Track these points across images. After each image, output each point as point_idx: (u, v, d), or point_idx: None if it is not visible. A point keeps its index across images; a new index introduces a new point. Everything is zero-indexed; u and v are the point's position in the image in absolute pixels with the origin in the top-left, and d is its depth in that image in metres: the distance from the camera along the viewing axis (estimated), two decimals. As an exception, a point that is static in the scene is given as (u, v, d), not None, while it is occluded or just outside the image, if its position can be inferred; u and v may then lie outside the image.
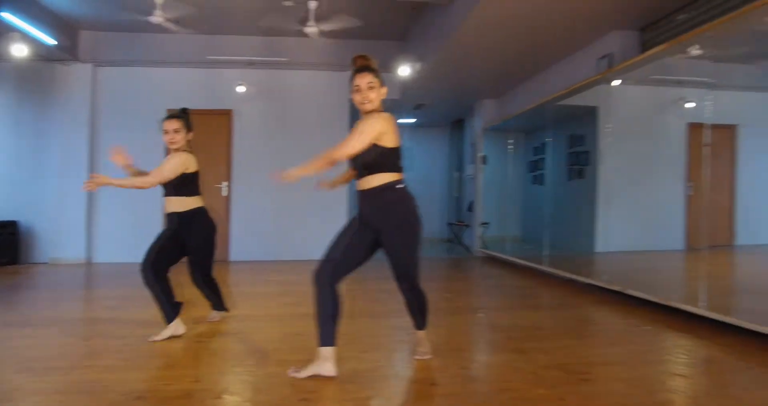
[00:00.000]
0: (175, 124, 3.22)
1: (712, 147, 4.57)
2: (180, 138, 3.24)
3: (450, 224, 9.35)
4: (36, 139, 7.30)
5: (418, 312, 2.73)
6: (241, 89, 7.53)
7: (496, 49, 5.63)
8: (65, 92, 7.34)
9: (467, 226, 8.62)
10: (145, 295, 3.17)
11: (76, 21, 6.99)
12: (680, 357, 2.88)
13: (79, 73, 7.33)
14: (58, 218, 7.18)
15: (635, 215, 5.29)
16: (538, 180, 6.96)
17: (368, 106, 2.48)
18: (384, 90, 2.54)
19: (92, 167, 7.26)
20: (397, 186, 2.50)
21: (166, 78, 7.51)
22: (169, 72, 7.52)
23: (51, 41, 6.57)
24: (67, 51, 7.03)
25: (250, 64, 7.57)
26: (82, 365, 2.65)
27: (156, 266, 3.08)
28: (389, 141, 2.45)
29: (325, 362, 2.40)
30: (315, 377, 2.38)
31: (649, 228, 5.25)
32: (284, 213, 7.53)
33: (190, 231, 3.22)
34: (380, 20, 6.82)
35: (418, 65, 6.64)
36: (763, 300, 4.08)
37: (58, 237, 7.16)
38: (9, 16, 5.83)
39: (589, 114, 5.34)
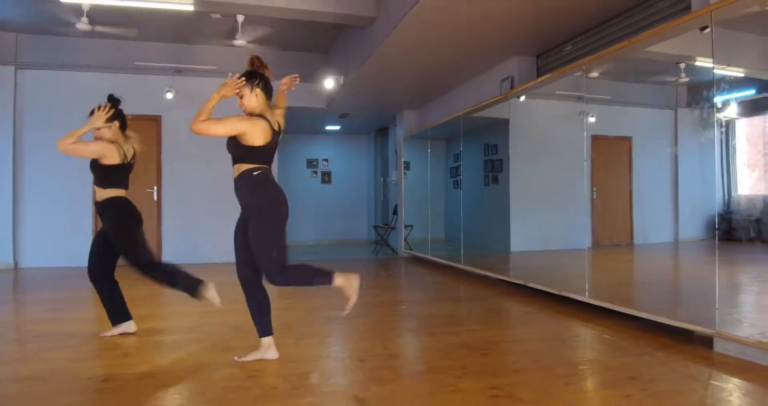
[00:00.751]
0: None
1: (611, 156, 5.35)
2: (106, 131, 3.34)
3: (375, 227, 9.86)
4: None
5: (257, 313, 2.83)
6: (169, 96, 7.67)
7: (413, 68, 6.20)
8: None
9: (393, 228, 9.15)
10: (82, 296, 3.41)
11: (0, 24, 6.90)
12: (565, 335, 3.50)
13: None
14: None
15: (546, 218, 5.93)
16: (458, 185, 7.59)
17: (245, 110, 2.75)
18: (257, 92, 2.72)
19: (16, 169, 7.17)
20: (254, 173, 2.67)
21: (93, 82, 7.51)
22: (96, 76, 7.52)
23: (-32, 42, 6.48)
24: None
25: (178, 72, 7.73)
26: (39, 358, 2.88)
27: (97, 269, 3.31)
28: (251, 141, 2.65)
29: (268, 349, 2.80)
30: (259, 360, 2.77)
31: (559, 229, 5.92)
32: (214, 215, 7.71)
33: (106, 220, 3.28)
34: (305, 34, 7.19)
35: (341, 78, 7.10)
36: (639, 289, 4.88)
37: (-23, 241, 7.01)
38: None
39: (502, 125, 5.88)
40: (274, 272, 2.64)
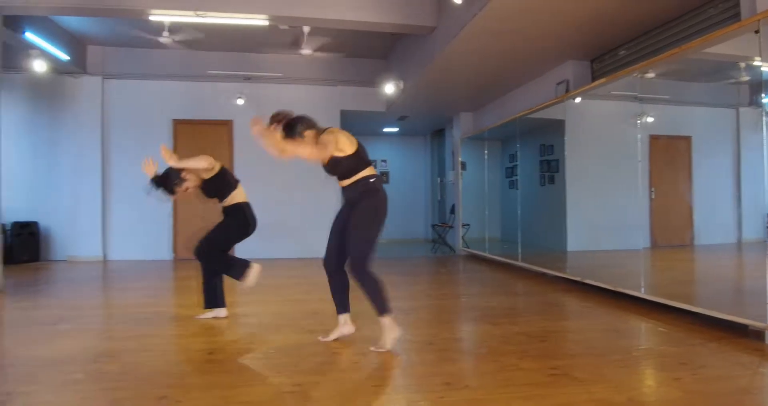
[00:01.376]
0: None
1: (670, 156, 5.37)
2: None
3: (434, 226, 10.13)
4: (51, 147, 7.88)
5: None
6: (240, 101, 8.21)
7: (471, 73, 6.45)
8: (76, 103, 7.94)
9: (450, 227, 9.41)
10: (171, 285, 3.86)
11: (86, 37, 7.59)
12: (620, 326, 3.69)
13: (88, 85, 7.94)
14: (74, 219, 7.78)
15: (603, 217, 6.00)
16: (514, 185, 7.77)
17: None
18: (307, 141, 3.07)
19: (104, 171, 7.89)
20: (371, 180, 3.06)
21: (171, 90, 8.17)
22: (173, 85, 8.17)
23: (64, 56, 7.20)
24: (78, 65, 7.64)
25: (248, 79, 8.27)
26: (151, 334, 3.35)
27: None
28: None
29: (390, 327, 3.02)
30: (336, 339, 3.12)
31: (616, 229, 5.98)
32: (284, 215, 8.21)
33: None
34: (366, 41, 7.56)
35: (401, 83, 7.43)
36: (696, 287, 4.95)
37: (75, 236, 7.77)
38: (32, 36, 6.46)
39: (558, 126, 5.99)
40: (359, 262, 2.99)
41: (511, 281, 5.97)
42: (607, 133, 5.96)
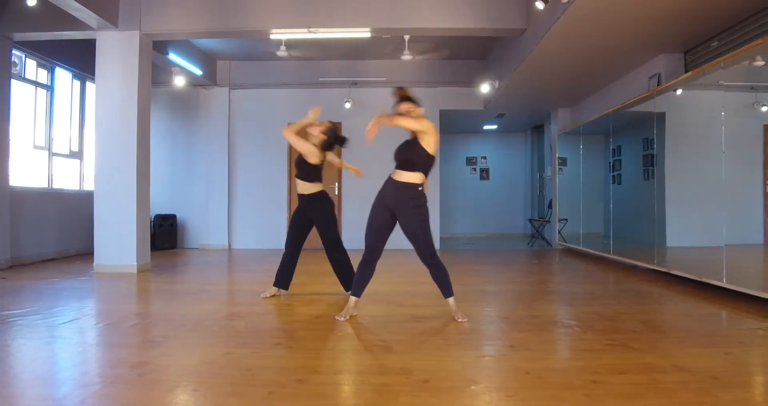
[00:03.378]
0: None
1: None
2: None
3: (531, 220, 10.29)
4: (187, 149, 9.12)
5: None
6: (347, 105, 8.94)
7: (563, 70, 6.63)
8: (207, 111, 9.10)
9: (547, 222, 9.54)
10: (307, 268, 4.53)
11: (215, 53, 8.68)
12: (694, 312, 3.83)
13: (217, 95, 9.07)
14: (205, 213, 8.95)
15: (709, 213, 5.84)
16: (617, 180, 7.76)
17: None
18: (420, 110, 3.56)
19: (230, 171, 8.98)
20: (420, 189, 3.45)
21: (286, 97, 9.09)
22: (289, 92, 9.08)
23: (198, 71, 8.32)
24: (209, 78, 8.76)
25: (354, 84, 8.97)
26: (269, 303, 4.05)
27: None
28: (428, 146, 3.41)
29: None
30: (430, 315, 3.60)
31: (727, 224, 5.76)
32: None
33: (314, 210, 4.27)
34: (464, 43, 7.97)
35: (496, 83, 7.74)
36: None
37: (206, 228, 8.94)
38: (174, 56, 7.58)
39: (659, 119, 5.94)
40: (433, 252, 3.46)
41: (600, 272, 6.11)
42: (713, 125, 5.81)
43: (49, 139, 7.44)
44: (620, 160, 7.50)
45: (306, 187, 4.29)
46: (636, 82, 6.52)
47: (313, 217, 4.27)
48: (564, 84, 7.44)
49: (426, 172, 3.45)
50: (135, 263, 5.90)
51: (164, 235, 8.64)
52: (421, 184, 3.45)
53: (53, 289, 4.76)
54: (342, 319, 3.46)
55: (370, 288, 4.73)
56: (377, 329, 3.26)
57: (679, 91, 5.52)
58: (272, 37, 6.36)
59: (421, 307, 3.90)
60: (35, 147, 7.26)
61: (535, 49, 5.67)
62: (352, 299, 3.57)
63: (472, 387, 2.20)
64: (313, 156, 4.22)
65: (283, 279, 4.34)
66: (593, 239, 8.11)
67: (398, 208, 3.45)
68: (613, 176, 7.97)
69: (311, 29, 5.99)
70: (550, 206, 9.52)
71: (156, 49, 7.02)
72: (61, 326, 3.30)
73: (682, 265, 5.35)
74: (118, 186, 5.95)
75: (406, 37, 7.09)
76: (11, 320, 3.43)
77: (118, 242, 5.91)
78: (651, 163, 6.68)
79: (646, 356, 2.63)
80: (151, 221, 8.60)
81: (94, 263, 5.94)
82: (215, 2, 6.07)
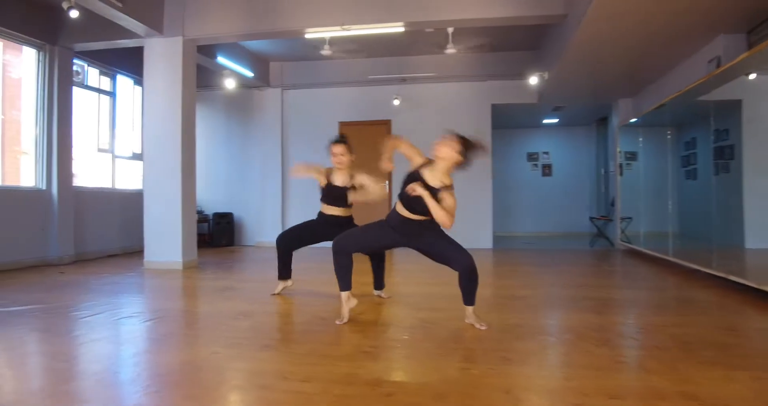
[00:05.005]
0: (340, 148, 4.10)
1: None
2: (345, 160, 4.12)
3: (591, 219, 9.75)
4: (243, 149, 9.38)
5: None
6: (396, 102, 8.84)
7: (615, 57, 6.17)
8: (261, 112, 9.31)
9: (609, 220, 8.99)
10: (322, 267, 4.49)
11: (266, 55, 8.85)
12: (741, 325, 3.43)
13: (271, 96, 9.25)
14: (260, 211, 9.18)
15: None
16: (690, 175, 7.13)
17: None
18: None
19: (284, 171, 9.14)
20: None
21: (336, 96, 9.12)
22: (339, 91, 9.11)
23: (249, 73, 8.51)
24: (261, 79, 8.95)
25: (403, 81, 8.85)
26: (294, 301, 4.05)
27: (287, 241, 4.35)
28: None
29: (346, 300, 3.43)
30: (458, 326, 3.45)
31: None
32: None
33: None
34: (512, 34, 7.64)
35: (545, 73, 7.34)
36: None
37: (261, 226, 9.16)
38: (223, 60, 7.78)
39: (734, 107, 5.42)
40: (471, 264, 3.26)
41: (657, 276, 5.66)
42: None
43: (112, 143, 7.88)
44: (693, 153, 6.89)
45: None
46: (696, 68, 5.97)
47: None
48: (620, 72, 6.93)
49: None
50: (180, 260, 6.12)
51: (221, 232, 8.94)
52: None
53: (96, 284, 5.03)
54: (341, 322, 3.39)
55: (393, 289, 4.66)
56: (376, 333, 3.16)
57: (752, 76, 4.96)
58: (307, 36, 6.38)
59: (437, 310, 3.74)
60: (99, 150, 7.72)
61: (576, 35, 5.31)
62: (343, 294, 3.43)
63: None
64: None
65: (285, 270, 4.43)
66: (659, 239, 7.52)
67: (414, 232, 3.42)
68: (687, 172, 7.34)
69: (344, 27, 5.95)
70: (612, 204, 8.97)
71: (205, 53, 7.24)
72: (76, 318, 3.45)
73: (756, 270, 4.82)
74: (165, 186, 6.20)
75: (450, 30, 6.90)
76: (31, 312, 3.63)
77: (164, 240, 6.16)
78: (721, 155, 6.09)
79: (655, 378, 2.35)
80: (209, 219, 8.98)
81: (144, 260, 6.23)
82: (252, 6, 6.18)
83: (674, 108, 6.58)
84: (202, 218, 8.97)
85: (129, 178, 8.22)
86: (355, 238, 3.49)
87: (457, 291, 3.35)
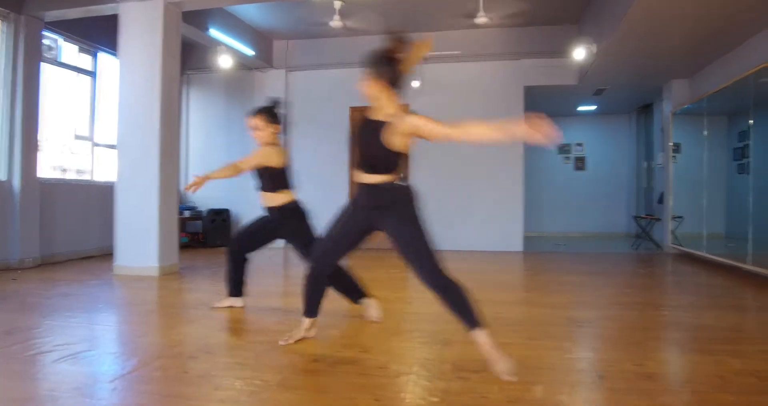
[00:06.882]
0: (254, 120, 3.32)
1: None
2: (263, 134, 3.32)
3: (636, 218, 8.62)
4: (243, 137, 8.30)
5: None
6: (416, 84, 7.77)
7: (681, 25, 5.04)
8: (264, 95, 8.28)
9: (657, 219, 7.87)
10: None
11: (270, 32, 7.85)
12: None
13: (274, 78, 8.25)
14: (260, 208, 8.15)
15: None
16: (745, 169, 6.06)
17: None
18: None
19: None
20: (405, 184, 2.46)
21: (347, 78, 8.05)
22: (350, 72, 8.01)
23: (250, 52, 7.51)
24: (264, 59, 7.95)
25: (424, 60, 7.77)
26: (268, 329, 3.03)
27: (241, 244, 3.49)
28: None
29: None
30: (477, 358, 2.42)
31: None
32: (459, 203, 7.67)
33: (286, 224, 3.40)
34: (551, 4, 6.57)
35: (594, 47, 6.23)
36: None
37: (259, 224, 8.15)
38: (216, 33, 6.78)
39: None
40: (432, 270, 2.33)
41: (737, 290, 4.57)
42: None
43: (92, 129, 6.93)
44: (748, 144, 5.78)
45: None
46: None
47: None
48: (682, 44, 5.73)
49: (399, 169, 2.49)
50: (157, 265, 5.13)
51: (216, 231, 7.96)
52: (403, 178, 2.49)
53: (43, 296, 4.05)
54: (285, 342, 2.68)
55: (403, 308, 3.61)
56: (314, 367, 2.12)
57: None
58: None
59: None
60: (77, 137, 6.77)
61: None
62: (307, 321, 2.74)
63: None
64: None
65: (237, 284, 3.64)
66: (716, 242, 6.43)
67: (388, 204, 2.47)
68: (740, 165, 6.23)
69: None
70: (660, 201, 7.84)
71: (194, 23, 6.26)
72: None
73: None
74: (140, 176, 5.21)
75: (480, -5, 5.84)
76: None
77: (139, 241, 5.17)
78: None
79: None
80: (202, 217, 8.00)
81: (114, 264, 5.26)
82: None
83: (732, 93, 5.50)
84: (194, 214, 7.98)
85: (112, 169, 7.25)
86: (330, 241, 2.57)
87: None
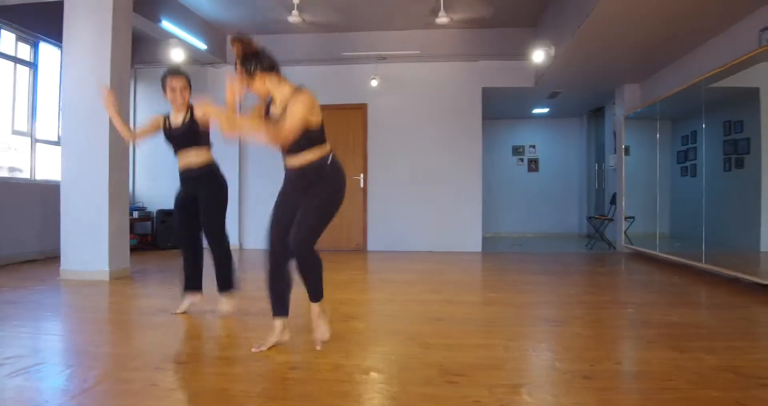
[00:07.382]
0: (182, 81, 3.23)
1: None
2: (185, 99, 3.26)
3: (590, 218, 8.84)
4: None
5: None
6: (374, 83, 7.70)
7: (638, 29, 5.17)
8: (216, 93, 7.99)
9: (611, 220, 8.09)
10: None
11: (222, 26, 7.59)
12: None
13: (227, 74, 7.96)
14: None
15: None
16: (689, 172, 6.29)
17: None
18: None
19: (241, 162, 7.89)
20: (331, 159, 2.60)
21: (303, 75, 7.85)
22: (308, 70, 7.88)
23: (202, 46, 7.24)
24: (217, 54, 7.68)
25: (382, 59, 7.72)
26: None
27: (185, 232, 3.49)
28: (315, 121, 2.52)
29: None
30: (460, 361, 2.36)
31: None
32: (418, 204, 7.64)
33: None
34: (511, 7, 6.64)
35: (552, 50, 6.32)
36: None
37: (213, 226, 7.86)
38: (168, 25, 6.48)
39: (749, 96, 4.72)
40: (306, 240, 2.49)
41: (693, 288, 4.72)
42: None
43: (32, 124, 6.49)
44: (692, 148, 6.03)
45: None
46: (738, 41, 5.04)
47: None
48: (637, 48, 5.82)
49: (324, 142, 2.65)
50: (107, 269, 4.83)
51: (167, 233, 7.61)
52: (330, 153, 2.66)
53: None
54: (258, 349, 2.53)
55: (370, 307, 3.53)
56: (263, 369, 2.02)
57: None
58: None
59: (453, 348, 2.64)
60: (14, 132, 6.32)
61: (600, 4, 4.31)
62: (278, 322, 2.62)
63: None
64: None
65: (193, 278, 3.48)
66: (663, 242, 6.66)
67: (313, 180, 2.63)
68: (683, 168, 6.48)
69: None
70: (613, 202, 8.07)
71: (145, 14, 5.96)
72: None
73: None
74: (88, 175, 4.89)
75: (442, -4, 5.82)
76: None
77: (87, 244, 4.85)
78: (735, 150, 5.24)
79: None
80: (151, 218, 7.65)
81: (61, 268, 4.91)
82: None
83: (681, 98, 5.73)
84: (143, 215, 7.62)
85: (54, 167, 6.82)
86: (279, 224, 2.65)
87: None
